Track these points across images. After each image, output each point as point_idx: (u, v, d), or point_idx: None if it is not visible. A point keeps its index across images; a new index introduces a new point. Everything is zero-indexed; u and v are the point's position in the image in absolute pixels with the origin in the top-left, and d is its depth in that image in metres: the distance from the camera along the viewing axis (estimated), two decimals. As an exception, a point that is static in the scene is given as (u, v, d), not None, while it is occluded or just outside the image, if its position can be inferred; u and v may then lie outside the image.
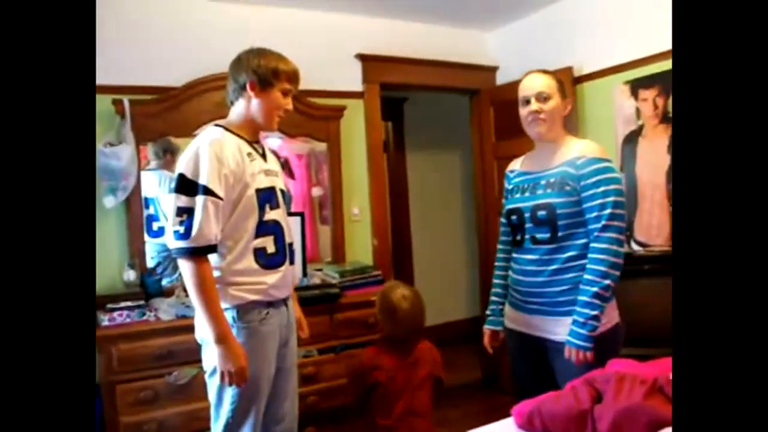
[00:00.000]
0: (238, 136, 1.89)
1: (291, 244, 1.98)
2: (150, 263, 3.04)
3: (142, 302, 2.76)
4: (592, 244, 1.84)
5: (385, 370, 2.23)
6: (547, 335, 1.93)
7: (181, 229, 1.73)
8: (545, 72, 2.03)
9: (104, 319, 2.59)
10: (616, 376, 1.40)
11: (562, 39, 3.60)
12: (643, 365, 1.57)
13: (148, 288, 2.89)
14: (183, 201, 1.75)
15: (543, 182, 1.95)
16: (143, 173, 3.03)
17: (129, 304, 2.70)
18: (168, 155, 3.15)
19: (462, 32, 4.05)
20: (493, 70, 4.13)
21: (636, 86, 3.15)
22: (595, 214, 1.84)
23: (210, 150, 1.77)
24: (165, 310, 2.70)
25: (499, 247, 2.19)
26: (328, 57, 3.56)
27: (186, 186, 1.75)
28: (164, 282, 3.00)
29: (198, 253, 1.74)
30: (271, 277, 1.89)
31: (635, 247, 3.10)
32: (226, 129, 1.89)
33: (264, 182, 1.90)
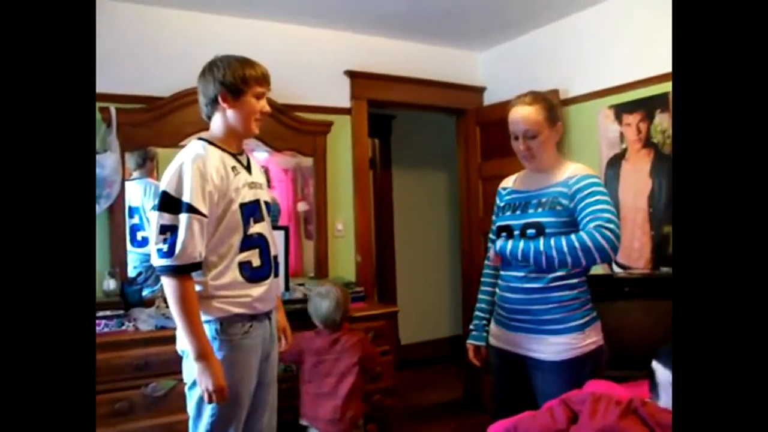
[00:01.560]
0: (222, 149, 1.89)
1: (276, 257, 1.98)
2: (131, 273, 3.02)
3: (121, 312, 2.73)
4: (586, 230, 1.77)
5: (313, 353, 2.62)
6: (527, 353, 1.94)
7: (165, 247, 1.72)
8: (533, 100, 1.96)
9: (82, 329, 2.56)
10: (592, 397, 1.41)
11: (549, 62, 3.65)
12: (619, 387, 1.59)
13: (128, 298, 2.86)
14: (166, 219, 1.74)
15: (534, 201, 1.95)
16: (128, 183, 3.02)
17: (108, 313, 2.66)
18: (148, 162, 3.15)
19: (450, 52, 4.10)
20: (480, 90, 4.17)
21: (620, 111, 3.20)
22: (589, 218, 1.79)
23: (193, 167, 1.76)
24: (144, 321, 2.67)
25: (487, 263, 2.19)
26: (316, 72, 3.58)
27: (169, 204, 1.75)
28: (145, 292, 2.97)
29: (181, 272, 1.73)
30: (256, 290, 1.88)
31: (616, 269, 3.13)
32: (210, 143, 1.88)
33: (248, 196, 1.89)
